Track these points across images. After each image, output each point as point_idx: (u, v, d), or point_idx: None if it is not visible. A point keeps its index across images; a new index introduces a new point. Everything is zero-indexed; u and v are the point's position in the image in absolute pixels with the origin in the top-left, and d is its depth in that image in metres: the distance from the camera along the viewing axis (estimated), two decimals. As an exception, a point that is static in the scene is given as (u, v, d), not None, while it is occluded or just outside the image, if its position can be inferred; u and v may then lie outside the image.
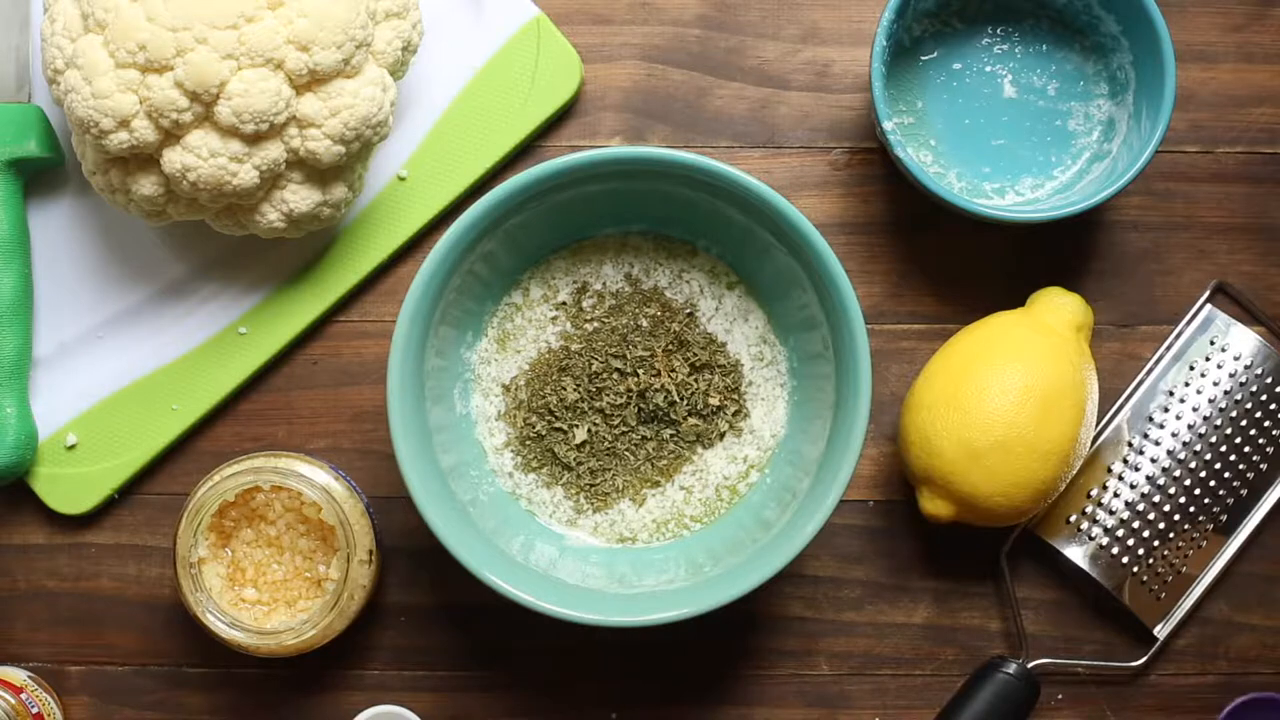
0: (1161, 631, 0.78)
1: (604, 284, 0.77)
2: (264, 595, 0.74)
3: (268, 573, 0.74)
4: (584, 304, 0.77)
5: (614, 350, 0.75)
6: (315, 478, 0.72)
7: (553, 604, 0.68)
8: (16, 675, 0.77)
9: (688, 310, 0.76)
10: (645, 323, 0.76)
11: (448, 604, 0.79)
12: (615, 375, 0.75)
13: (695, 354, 0.75)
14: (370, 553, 0.73)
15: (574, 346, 0.76)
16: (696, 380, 0.75)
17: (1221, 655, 0.79)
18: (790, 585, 0.79)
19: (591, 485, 0.76)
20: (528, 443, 0.76)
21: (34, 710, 0.75)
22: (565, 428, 0.75)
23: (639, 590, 0.72)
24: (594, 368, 0.75)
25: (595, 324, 0.76)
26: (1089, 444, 0.75)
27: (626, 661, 0.79)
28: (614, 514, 0.76)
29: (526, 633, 0.79)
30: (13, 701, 0.74)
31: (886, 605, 0.79)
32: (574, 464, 0.75)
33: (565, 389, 0.75)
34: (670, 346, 0.76)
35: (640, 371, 0.75)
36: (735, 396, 0.76)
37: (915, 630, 0.79)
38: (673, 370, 0.75)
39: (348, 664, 0.79)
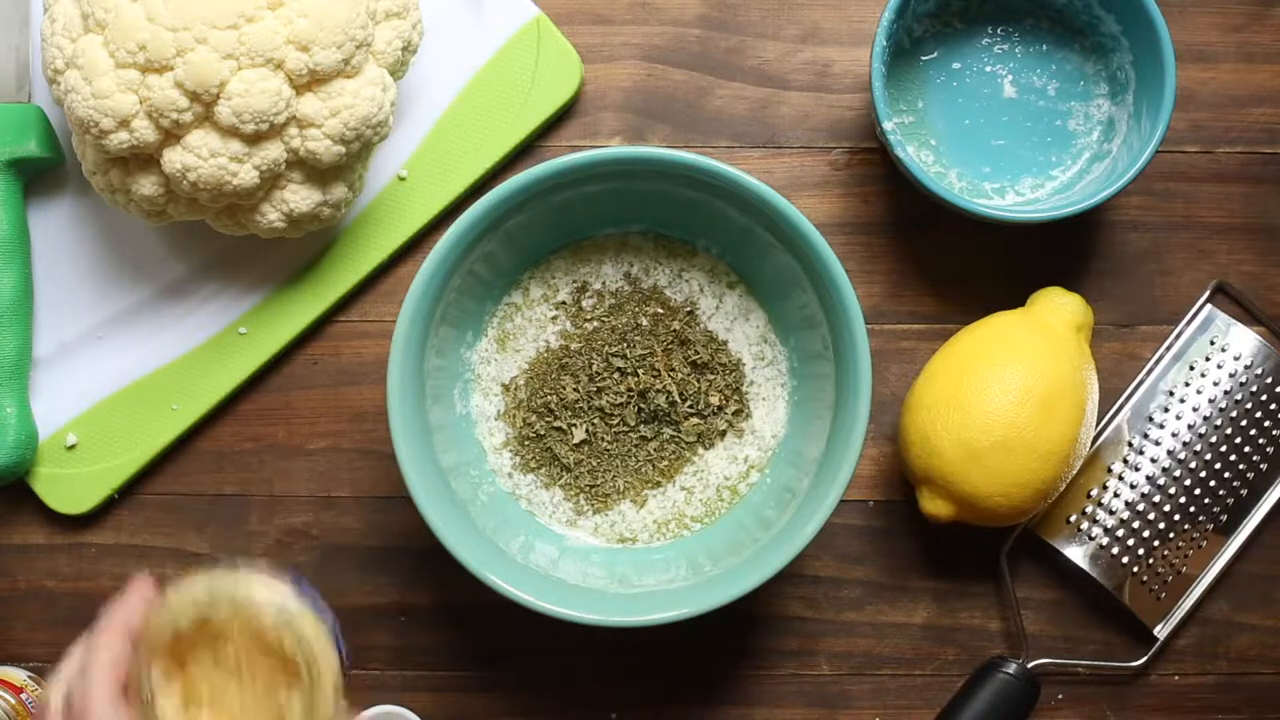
0: (1161, 631, 0.78)
1: (604, 283, 0.77)
2: None
3: (225, 700, 0.65)
4: (584, 303, 0.77)
5: (614, 349, 0.75)
6: (274, 602, 0.64)
7: (553, 604, 0.68)
8: (16, 675, 0.77)
9: (688, 309, 0.76)
10: (645, 321, 0.76)
11: (448, 604, 0.79)
12: (615, 375, 0.75)
13: (696, 352, 0.75)
14: (336, 684, 0.65)
15: (574, 346, 0.76)
16: (697, 380, 0.75)
17: (1221, 655, 0.79)
18: (790, 585, 0.79)
19: (591, 486, 0.76)
20: (526, 442, 0.76)
21: (34, 710, 0.75)
22: (564, 427, 0.75)
23: (639, 590, 0.72)
24: (594, 367, 0.75)
25: (595, 323, 0.76)
26: (1089, 444, 0.75)
27: (626, 661, 0.79)
28: (614, 515, 0.76)
29: (526, 633, 0.79)
30: (13, 701, 0.74)
31: (886, 605, 0.79)
32: (573, 465, 0.75)
33: (565, 388, 0.75)
34: (670, 345, 0.76)
35: (640, 371, 0.75)
36: (736, 396, 0.76)
37: (915, 630, 0.79)
38: (673, 369, 0.75)
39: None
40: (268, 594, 0.64)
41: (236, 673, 0.65)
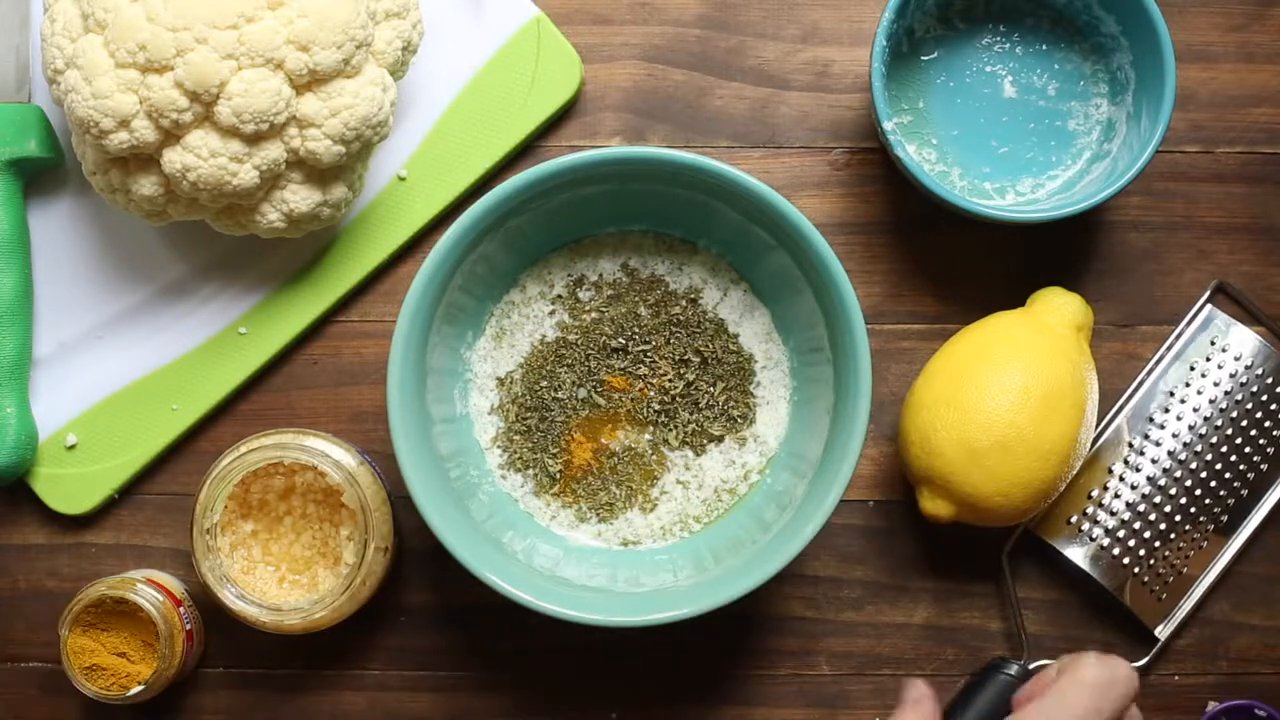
0: (1162, 632, 0.78)
1: (600, 275, 0.77)
2: (279, 572, 0.74)
3: (284, 549, 0.74)
4: (580, 295, 0.76)
5: (613, 342, 0.75)
6: (342, 460, 0.72)
7: (553, 604, 0.68)
8: (176, 586, 0.77)
9: (691, 295, 0.76)
10: (645, 311, 0.76)
11: (448, 604, 0.79)
12: (612, 367, 0.75)
13: (705, 343, 0.75)
14: (388, 541, 0.72)
15: (570, 338, 0.76)
16: (699, 376, 0.75)
17: (1222, 655, 0.79)
18: (790, 585, 0.79)
19: (589, 496, 0.75)
20: (515, 438, 0.76)
21: (188, 627, 0.75)
22: (563, 420, 0.75)
23: (639, 590, 0.72)
24: (591, 362, 0.75)
25: (593, 314, 0.76)
26: (1089, 444, 0.75)
27: (626, 661, 0.79)
28: (619, 523, 0.76)
29: (526, 633, 0.79)
30: (165, 602, 0.74)
31: (886, 605, 0.79)
32: (570, 466, 0.75)
33: (561, 382, 0.75)
34: (675, 334, 0.75)
35: (642, 364, 0.75)
36: (738, 395, 0.76)
37: (915, 630, 0.79)
38: (682, 361, 0.75)
39: (348, 664, 0.79)
40: (337, 452, 0.73)
41: (297, 525, 0.75)
